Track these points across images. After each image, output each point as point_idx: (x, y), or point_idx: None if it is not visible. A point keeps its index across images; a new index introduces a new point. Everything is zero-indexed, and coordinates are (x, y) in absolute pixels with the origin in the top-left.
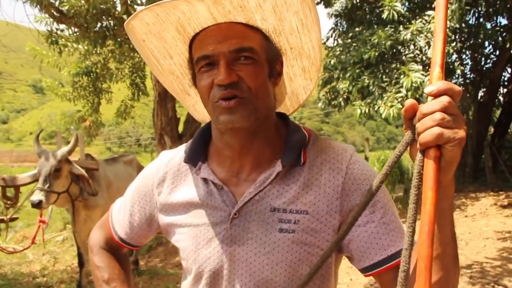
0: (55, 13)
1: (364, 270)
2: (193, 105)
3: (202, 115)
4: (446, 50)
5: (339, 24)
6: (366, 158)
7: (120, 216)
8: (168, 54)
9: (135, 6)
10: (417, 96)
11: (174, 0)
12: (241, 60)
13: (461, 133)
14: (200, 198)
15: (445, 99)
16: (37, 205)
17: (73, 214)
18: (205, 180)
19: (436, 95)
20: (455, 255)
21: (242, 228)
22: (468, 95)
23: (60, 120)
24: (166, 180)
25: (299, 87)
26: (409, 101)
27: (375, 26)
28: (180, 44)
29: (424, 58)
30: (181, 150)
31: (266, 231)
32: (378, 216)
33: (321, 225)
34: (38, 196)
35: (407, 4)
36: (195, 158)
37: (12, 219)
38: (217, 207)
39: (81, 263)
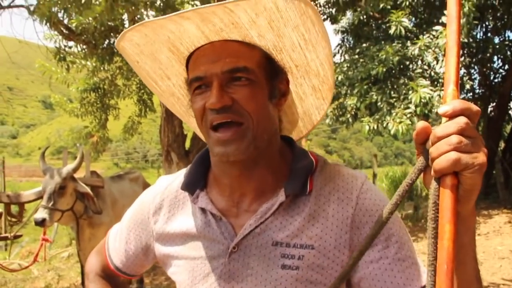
0: (64, 30)
1: None
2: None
3: None
4: None
5: (345, 40)
6: (375, 175)
7: (116, 243)
8: (166, 75)
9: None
10: (426, 111)
11: (158, 20)
12: (235, 82)
13: (481, 157)
14: (197, 229)
15: (461, 120)
16: (41, 223)
17: (78, 232)
18: (203, 209)
19: (451, 116)
20: None
21: (241, 263)
22: None
23: (67, 136)
24: (163, 208)
25: (312, 107)
26: (421, 124)
27: (383, 42)
28: (176, 65)
29: (432, 74)
30: (180, 176)
31: (267, 267)
32: (393, 251)
33: (328, 261)
34: (41, 214)
35: (414, 19)
36: (193, 185)
37: (16, 237)
38: (215, 240)
39: (84, 282)
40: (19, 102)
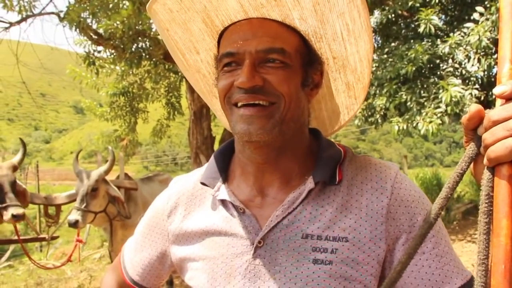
0: (93, 35)
1: None
2: (220, 109)
3: None
4: (487, 63)
5: (374, 40)
6: None
7: (131, 253)
8: (195, 49)
9: None
10: (457, 111)
11: None
12: (269, 63)
13: None
14: (217, 224)
15: None
16: (74, 224)
17: (111, 233)
18: (224, 202)
19: (509, 98)
20: None
21: (268, 259)
22: None
23: (98, 140)
24: (178, 207)
25: (342, 106)
26: (474, 107)
27: (412, 41)
28: (208, 39)
29: (463, 72)
30: (195, 174)
31: (297, 263)
32: (430, 246)
33: (364, 255)
34: (75, 215)
35: (444, 17)
36: (213, 178)
37: (53, 238)
38: (237, 235)
39: None
40: (51, 107)
